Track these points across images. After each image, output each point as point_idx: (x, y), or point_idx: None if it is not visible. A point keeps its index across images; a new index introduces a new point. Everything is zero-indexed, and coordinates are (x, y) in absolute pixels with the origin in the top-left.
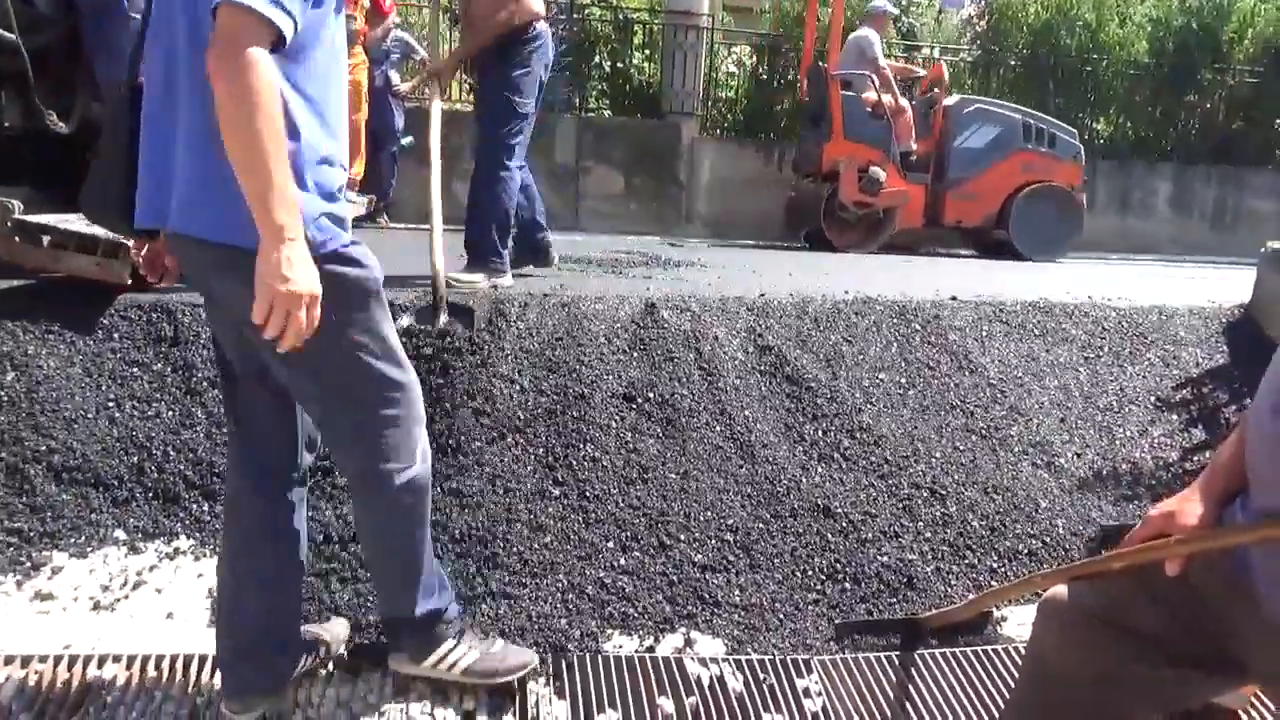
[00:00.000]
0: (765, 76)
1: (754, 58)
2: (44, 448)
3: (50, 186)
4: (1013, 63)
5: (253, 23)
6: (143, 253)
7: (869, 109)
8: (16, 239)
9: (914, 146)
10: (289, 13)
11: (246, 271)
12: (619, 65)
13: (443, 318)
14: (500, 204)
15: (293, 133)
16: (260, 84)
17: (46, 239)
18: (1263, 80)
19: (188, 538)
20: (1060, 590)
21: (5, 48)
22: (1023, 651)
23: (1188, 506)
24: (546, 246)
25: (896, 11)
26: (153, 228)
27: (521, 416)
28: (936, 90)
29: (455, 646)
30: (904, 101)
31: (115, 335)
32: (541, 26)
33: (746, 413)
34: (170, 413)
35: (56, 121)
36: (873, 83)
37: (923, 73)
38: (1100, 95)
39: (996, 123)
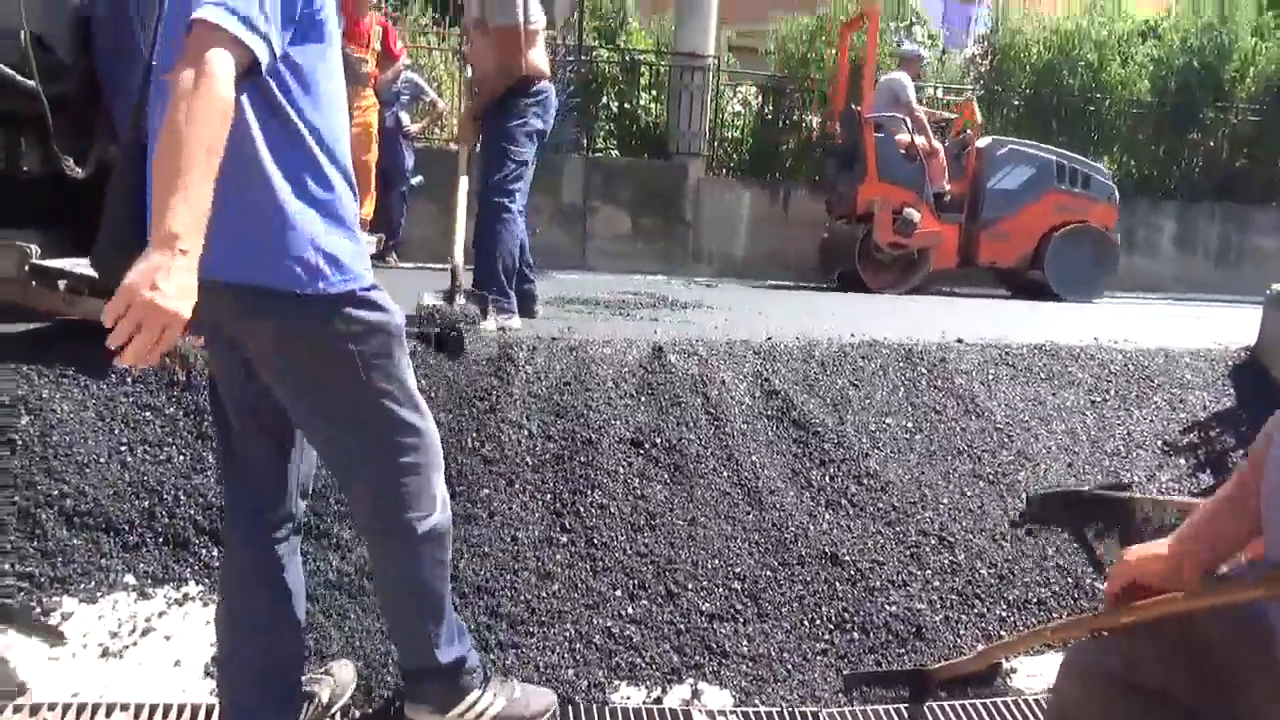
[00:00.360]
0: (770, 117)
1: (759, 98)
2: (56, 492)
3: (66, 229)
4: (1016, 102)
5: (222, 40)
6: None
7: (902, 151)
8: (33, 283)
9: (947, 187)
10: (264, 37)
11: (259, 310)
12: (626, 106)
13: (460, 299)
14: (502, 246)
15: (307, 166)
16: (211, 93)
17: (62, 283)
18: (1265, 118)
19: (196, 583)
20: (1082, 647)
21: (25, 94)
22: (1033, 703)
23: (1160, 559)
24: (531, 297)
25: (929, 56)
26: None
27: (529, 462)
28: (969, 131)
29: (481, 695)
30: (937, 143)
31: (128, 379)
32: (544, 84)
33: (754, 458)
34: (181, 457)
35: (74, 167)
36: (906, 125)
37: (954, 116)
38: (1103, 134)
39: (1030, 164)
